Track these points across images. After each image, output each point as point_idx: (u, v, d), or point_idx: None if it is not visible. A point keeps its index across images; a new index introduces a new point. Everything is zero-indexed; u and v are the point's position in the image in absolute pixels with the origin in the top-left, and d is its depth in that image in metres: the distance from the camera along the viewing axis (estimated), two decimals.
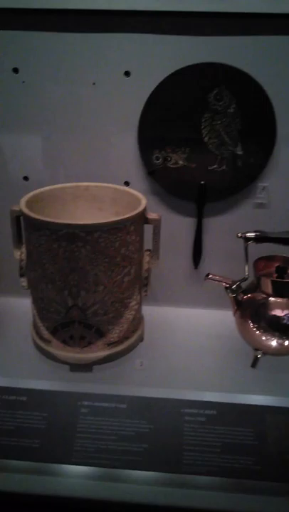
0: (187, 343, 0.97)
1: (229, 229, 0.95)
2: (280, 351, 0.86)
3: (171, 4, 0.80)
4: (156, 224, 0.83)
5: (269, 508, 0.71)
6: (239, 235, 0.83)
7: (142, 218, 0.80)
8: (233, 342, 0.92)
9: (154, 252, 0.86)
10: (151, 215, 0.82)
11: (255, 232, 0.83)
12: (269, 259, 0.88)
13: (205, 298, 1.04)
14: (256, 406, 0.80)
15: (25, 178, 0.98)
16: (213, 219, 0.99)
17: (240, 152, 0.90)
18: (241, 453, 0.73)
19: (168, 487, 0.73)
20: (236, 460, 0.73)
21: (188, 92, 0.86)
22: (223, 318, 0.96)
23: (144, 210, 0.81)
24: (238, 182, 0.93)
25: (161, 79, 0.86)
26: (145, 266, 0.84)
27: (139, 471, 0.73)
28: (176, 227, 1.00)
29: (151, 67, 0.86)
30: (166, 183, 0.94)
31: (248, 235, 0.83)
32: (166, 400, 0.80)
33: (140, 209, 0.79)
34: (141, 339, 0.93)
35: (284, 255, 0.88)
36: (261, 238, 0.83)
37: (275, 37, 0.82)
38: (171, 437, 0.75)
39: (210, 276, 0.87)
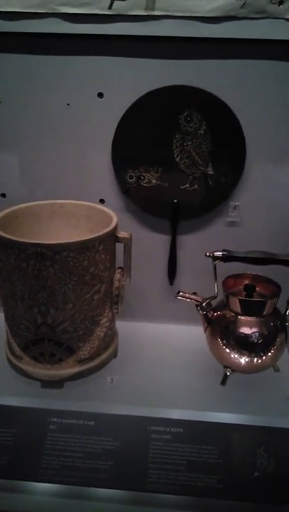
0: (161, 359, 0.97)
1: (203, 246, 0.95)
2: (249, 369, 0.87)
3: (143, 29, 0.82)
4: (127, 242, 0.84)
5: None
6: (207, 254, 0.85)
7: (112, 237, 0.82)
8: (205, 358, 0.92)
9: (126, 270, 0.88)
10: (122, 234, 0.84)
11: (222, 251, 0.85)
12: (238, 277, 0.89)
13: (180, 314, 1.05)
14: (222, 424, 0.80)
15: (3, 195, 1.00)
16: (188, 236, 1.00)
17: (211, 172, 0.91)
18: (205, 471, 0.74)
19: (132, 505, 0.73)
20: (200, 479, 0.73)
21: (160, 114, 0.88)
22: (197, 334, 0.96)
23: (115, 229, 0.82)
24: (210, 201, 0.94)
25: (133, 100, 0.88)
26: (116, 284, 0.85)
27: (104, 489, 0.74)
28: (151, 244, 1.02)
29: (124, 89, 0.88)
30: (140, 202, 0.96)
31: (216, 254, 0.84)
32: (133, 417, 0.81)
33: (109, 229, 0.80)
34: (114, 355, 0.94)
35: (253, 273, 0.89)
36: (228, 257, 0.84)
37: (243, 61, 0.84)
38: (137, 455, 0.76)
39: (180, 293, 0.89)
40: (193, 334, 1.02)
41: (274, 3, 0.77)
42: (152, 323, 1.08)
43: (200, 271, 1.01)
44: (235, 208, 0.95)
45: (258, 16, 0.79)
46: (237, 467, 0.75)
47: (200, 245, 0.99)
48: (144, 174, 0.93)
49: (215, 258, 0.85)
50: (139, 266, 1.04)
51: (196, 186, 0.93)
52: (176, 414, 0.83)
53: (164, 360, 0.97)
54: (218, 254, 0.84)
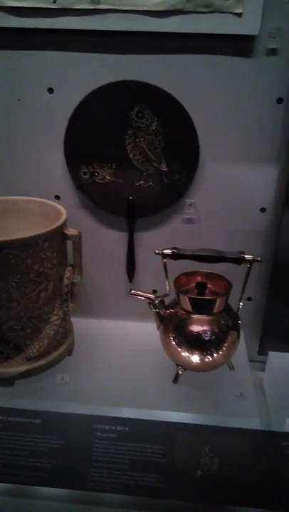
0: (117, 357, 0.97)
1: (161, 243, 0.94)
2: (201, 367, 0.86)
3: (89, 23, 0.81)
4: (75, 240, 0.84)
5: None
6: (157, 251, 0.84)
7: (58, 234, 0.81)
8: (161, 356, 0.92)
9: (76, 267, 0.87)
10: (70, 231, 0.83)
11: (172, 248, 0.84)
12: (191, 274, 0.88)
13: (140, 311, 1.03)
14: (169, 423, 0.80)
15: None
16: (145, 234, 0.99)
17: (165, 169, 0.90)
18: (148, 470, 0.73)
19: (74, 504, 0.73)
20: (142, 478, 0.73)
21: (111, 110, 0.87)
22: (156, 332, 0.96)
23: (62, 226, 0.81)
24: (165, 198, 0.93)
25: (83, 96, 0.86)
26: (65, 281, 0.84)
27: (46, 488, 0.74)
28: (109, 241, 1.01)
29: (74, 84, 0.86)
30: (95, 198, 0.95)
31: (165, 251, 0.84)
32: (79, 415, 0.80)
33: (54, 226, 0.79)
34: (68, 353, 0.93)
35: (205, 270, 0.88)
36: (177, 255, 0.83)
37: (193, 55, 0.83)
38: (80, 454, 0.75)
39: (132, 291, 0.88)
40: (152, 332, 1.01)
41: None
42: (112, 321, 1.08)
43: (159, 268, 0.99)
44: (190, 205, 0.94)
45: (204, 10, 0.77)
46: (180, 466, 0.74)
47: (158, 242, 0.97)
48: (97, 170, 0.92)
49: (164, 256, 0.84)
50: (98, 263, 1.04)
51: (150, 183, 0.92)
52: (123, 412, 0.83)
53: (120, 359, 0.96)
54: (168, 251, 0.84)
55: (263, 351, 1.02)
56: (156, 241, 0.99)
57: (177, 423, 0.80)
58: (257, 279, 1.00)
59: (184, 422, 0.81)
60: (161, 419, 0.81)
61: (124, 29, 0.80)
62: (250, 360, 1.03)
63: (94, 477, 0.73)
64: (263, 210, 0.94)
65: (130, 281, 1.04)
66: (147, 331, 1.02)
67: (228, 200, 0.94)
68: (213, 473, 0.73)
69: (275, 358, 0.97)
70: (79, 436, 0.78)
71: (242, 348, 0.99)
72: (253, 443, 0.77)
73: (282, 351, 0.97)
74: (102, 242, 1.01)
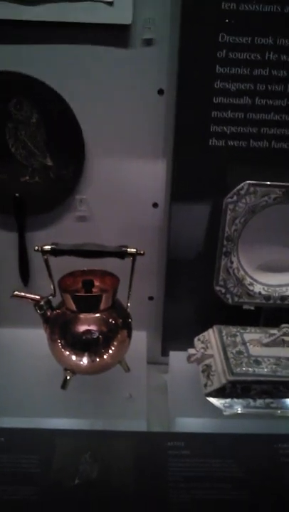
0: (7, 365, 0.91)
1: None
2: (90, 370, 0.81)
3: None
4: None
5: None
6: (36, 248, 0.80)
7: None
8: (54, 362, 0.87)
9: None
10: None
11: (51, 244, 0.80)
12: (77, 274, 0.85)
13: (37, 317, 0.99)
14: (48, 430, 0.74)
15: None
16: (38, 233, 0.95)
17: (50, 163, 0.87)
18: (21, 482, 0.67)
19: None
20: (14, 491, 0.66)
21: None
22: None
23: None
24: (54, 194, 0.89)
25: None
26: None
27: None
28: (0, 243, 0.96)
29: None
30: None
31: (44, 247, 0.80)
32: None
33: None
34: None
35: (93, 268, 0.85)
36: (57, 251, 0.79)
37: (70, 46, 0.80)
38: None
39: (15, 293, 0.83)
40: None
41: None
42: (8, 328, 1.01)
43: (56, 269, 0.95)
44: (81, 201, 0.91)
45: None
46: (57, 476, 0.68)
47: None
48: None
49: (44, 252, 0.80)
50: None
51: (36, 179, 0.88)
52: (3, 422, 0.77)
53: (10, 367, 0.90)
54: (47, 247, 0.79)
55: (165, 352, 0.98)
56: (49, 241, 0.94)
57: (57, 430, 0.75)
58: (157, 277, 0.98)
59: (67, 428, 0.76)
60: (43, 427, 0.75)
61: (2, 18, 0.77)
62: (154, 363, 1.00)
63: None
64: (155, 205, 0.92)
65: (25, 285, 0.98)
66: (42, 337, 0.97)
67: (119, 196, 0.91)
68: (92, 481, 0.68)
69: (175, 357, 0.94)
70: None
71: (142, 350, 0.96)
72: (136, 445, 0.73)
73: (184, 350, 0.94)
74: None
